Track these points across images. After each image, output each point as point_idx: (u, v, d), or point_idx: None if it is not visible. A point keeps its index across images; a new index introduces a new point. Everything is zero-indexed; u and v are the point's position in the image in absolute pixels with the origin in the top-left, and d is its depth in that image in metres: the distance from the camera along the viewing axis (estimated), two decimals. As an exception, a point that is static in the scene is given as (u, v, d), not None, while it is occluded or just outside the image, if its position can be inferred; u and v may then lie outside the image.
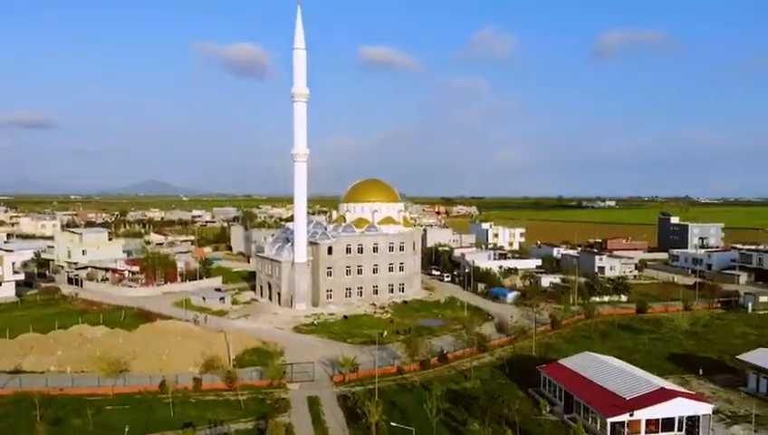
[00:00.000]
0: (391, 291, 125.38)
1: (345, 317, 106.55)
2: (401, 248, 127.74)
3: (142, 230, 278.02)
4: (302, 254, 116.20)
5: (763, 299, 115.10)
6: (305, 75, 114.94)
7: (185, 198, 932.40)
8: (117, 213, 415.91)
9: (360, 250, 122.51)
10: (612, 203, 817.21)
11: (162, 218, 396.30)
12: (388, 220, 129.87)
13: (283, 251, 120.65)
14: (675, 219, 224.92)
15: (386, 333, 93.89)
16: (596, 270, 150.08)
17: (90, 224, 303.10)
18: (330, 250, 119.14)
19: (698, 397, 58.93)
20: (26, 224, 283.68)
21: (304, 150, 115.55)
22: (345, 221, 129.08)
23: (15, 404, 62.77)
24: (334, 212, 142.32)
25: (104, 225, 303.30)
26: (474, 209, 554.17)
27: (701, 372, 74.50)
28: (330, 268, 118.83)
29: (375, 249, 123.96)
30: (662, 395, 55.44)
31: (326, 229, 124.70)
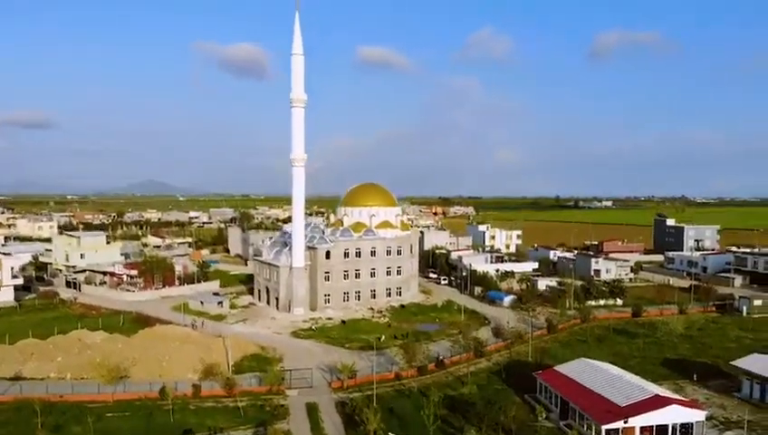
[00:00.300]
0: (389, 295, 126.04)
1: (343, 322, 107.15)
2: (399, 252, 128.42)
3: (139, 232, 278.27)
4: (300, 258, 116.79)
5: (757, 303, 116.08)
6: (303, 81, 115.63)
7: (182, 199, 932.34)
8: (114, 214, 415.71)
9: (358, 254, 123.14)
10: (609, 203, 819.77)
11: (159, 220, 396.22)
12: (386, 224, 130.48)
13: (281, 255, 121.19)
14: (671, 221, 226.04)
15: (383, 337, 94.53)
16: (592, 273, 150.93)
17: (87, 225, 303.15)
18: (327, 254, 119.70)
19: (692, 404, 59.73)
20: (23, 226, 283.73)
21: (302, 155, 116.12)
22: (343, 225, 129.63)
23: (16, 411, 63.25)
24: (332, 216, 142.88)
25: (101, 226, 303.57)
26: (471, 210, 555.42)
27: (695, 378, 75.30)
28: (327, 273, 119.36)
29: (373, 253, 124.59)
30: (656, 402, 56.21)
31: (324, 233, 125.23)
